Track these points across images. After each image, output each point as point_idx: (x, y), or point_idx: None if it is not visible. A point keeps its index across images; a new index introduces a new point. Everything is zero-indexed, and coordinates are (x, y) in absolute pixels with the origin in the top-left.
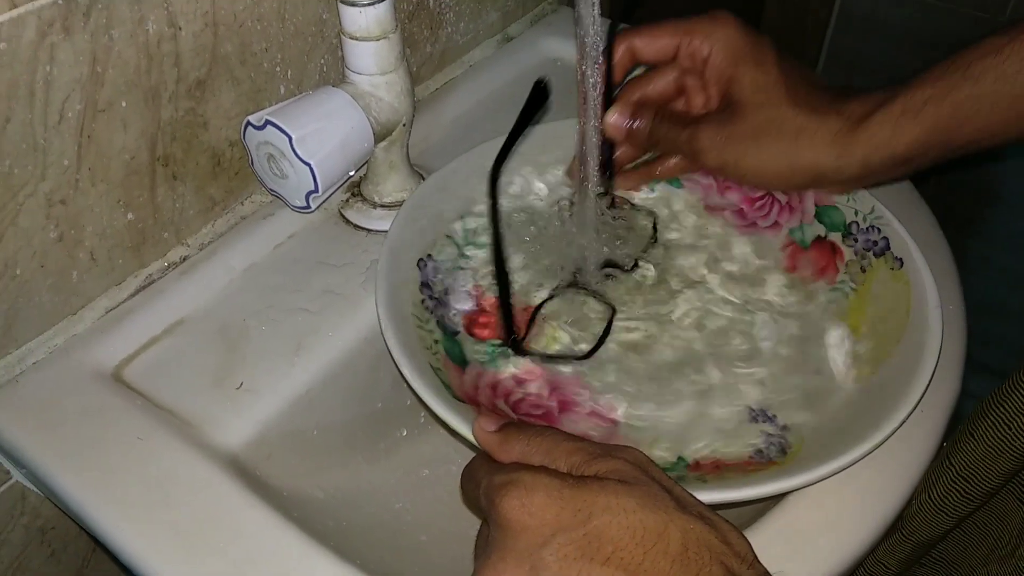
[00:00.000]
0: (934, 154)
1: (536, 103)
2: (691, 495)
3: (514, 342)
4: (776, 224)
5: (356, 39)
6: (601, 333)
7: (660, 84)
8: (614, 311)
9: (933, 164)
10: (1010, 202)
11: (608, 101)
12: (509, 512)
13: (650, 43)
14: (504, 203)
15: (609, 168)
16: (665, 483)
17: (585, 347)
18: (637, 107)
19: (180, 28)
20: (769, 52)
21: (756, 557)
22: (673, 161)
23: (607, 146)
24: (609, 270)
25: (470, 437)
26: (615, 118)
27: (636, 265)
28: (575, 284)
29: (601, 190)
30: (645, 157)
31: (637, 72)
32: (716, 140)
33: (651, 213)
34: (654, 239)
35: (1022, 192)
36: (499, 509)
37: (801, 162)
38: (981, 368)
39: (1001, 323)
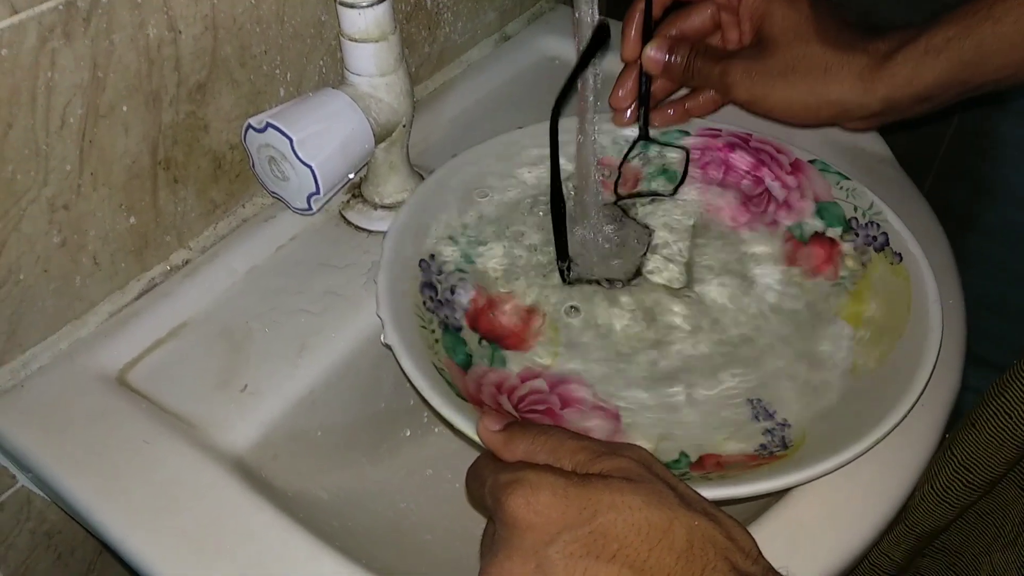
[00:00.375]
0: (954, 92)
1: (596, 44)
2: (695, 492)
3: (567, 266)
4: (774, 222)
5: (355, 41)
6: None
7: (696, 20)
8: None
9: (954, 101)
10: (1008, 198)
11: (648, 35)
12: (515, 510)
13: None
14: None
15: (645, 103)
16: (670, 480)
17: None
18: (675, 41)
19: (180, 32)
20: None
21: (760, 552)
22: (705, 96)
23: (645, 79)
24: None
25: (474, 436)
26: (653, 52)
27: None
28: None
29: (610, 199)
30: (681, 93)
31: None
32: (747, 75)
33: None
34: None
35: (1020, 185)
36: (505, 507)
37: (828, 97)
38: (981, 363)
39: (1000, 318)
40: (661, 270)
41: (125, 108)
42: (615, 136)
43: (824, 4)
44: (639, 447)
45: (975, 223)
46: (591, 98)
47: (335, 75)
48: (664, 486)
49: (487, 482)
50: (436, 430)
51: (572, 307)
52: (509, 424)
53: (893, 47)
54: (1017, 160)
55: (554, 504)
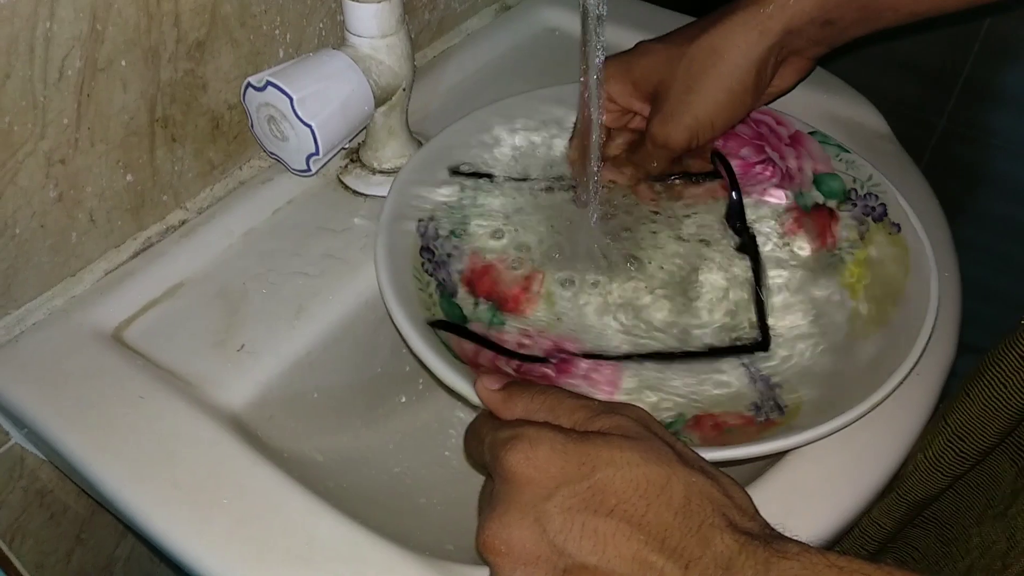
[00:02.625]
0: (854, 11)
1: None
2: (693, 451)
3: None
4: (775, 193)
5: (357, 0)
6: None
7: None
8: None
9: (863, 29)
10: (996, 185)
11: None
12: (514, 466)
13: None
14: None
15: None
16: (667, 438)
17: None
18: (614, 163)
19: None
20: (637, 51)
21: (757, 510)
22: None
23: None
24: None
25: (472, 397)
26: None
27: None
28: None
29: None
30: None
31: None
32: (664, 121)
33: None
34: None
35: (1008, 175)
36: (503, 463)
37: (735, 64)
38: (968, 349)
39: (987, 304)
40: (658, 238)
41: (124, 63)
42: None
43: (653, 41)
44: (637, 406)
45: (964, 211)
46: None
47: (335, 38)
48: (662, 444)
49: (486, 439)
50: (431, 396)
51: (569, 276)
52: (508, 383)
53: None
54: (1006, 150)
55: (553, 459)
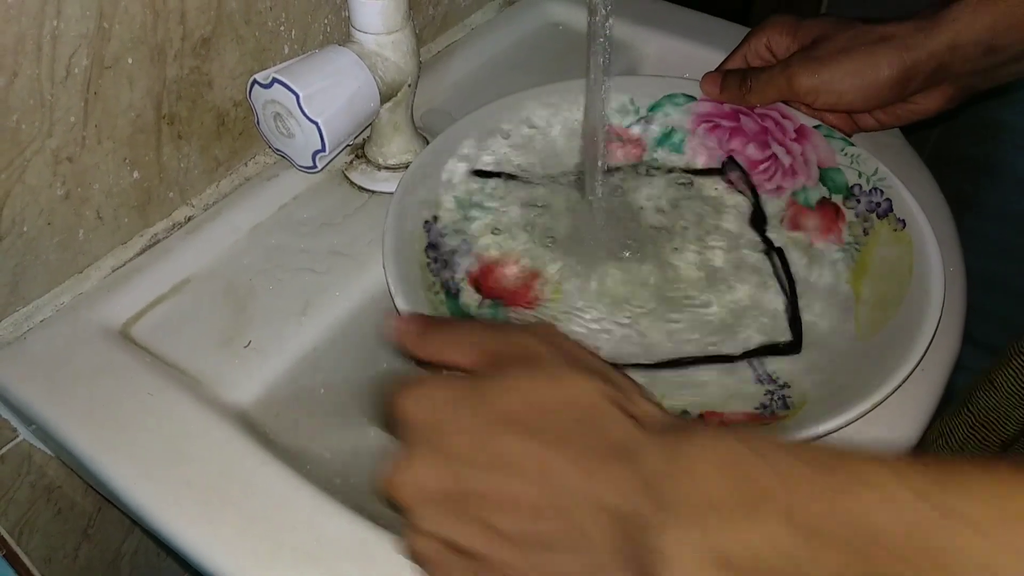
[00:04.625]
0: (1019, 39)
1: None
2: (597, 358)
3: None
4: (780, 188)
5: None
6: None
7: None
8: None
9: (1018, 57)
10: (1003, 178)
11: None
12: (411, 408)
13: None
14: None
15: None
16: (573, 352)
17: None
18: (726, 72)
19: None
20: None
21: (662, 406)
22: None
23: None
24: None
25: None
26: (707, 79)
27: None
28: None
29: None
30: None
31: None
32: (807, 63)
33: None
34: None
35: (1015, 168)
36: (401, 409)
37: (890, 57)
38: (976, 344)
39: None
40: (662, 234)
41: (130, 60)
42: (622, 103)
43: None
44: (547, 324)
45: (969, 205)
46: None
47: (340, 35)
48: (565, 359)
49: (388, 396)
50: None
51: (575, 269)
52: (425, 320)
53: (943, 5)
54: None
55: (448, 397)
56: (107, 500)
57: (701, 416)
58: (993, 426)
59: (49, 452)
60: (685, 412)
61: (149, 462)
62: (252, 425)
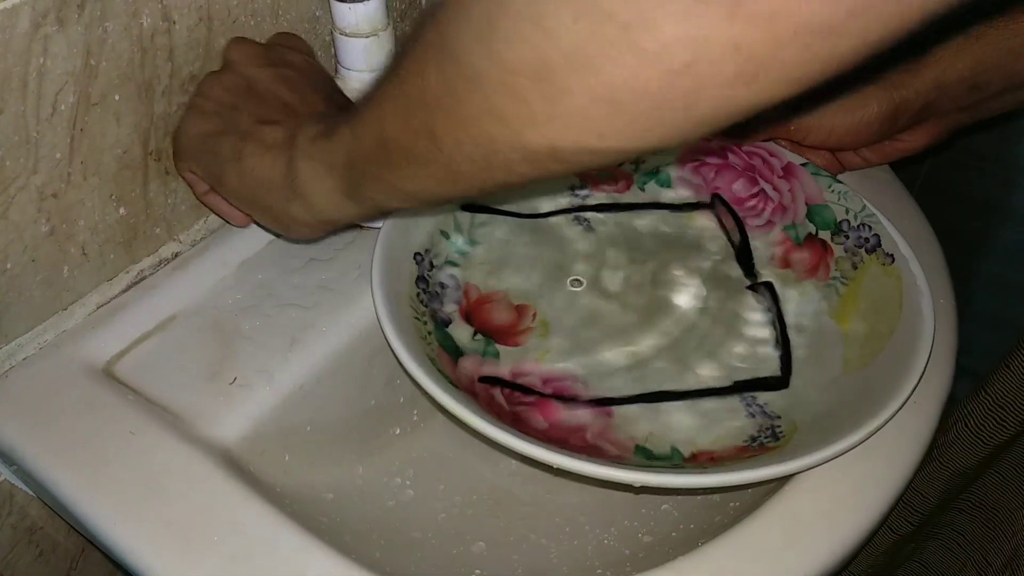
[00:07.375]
0: (1001, 78)
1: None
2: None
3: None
4: (770, 223)
5: (347, 35)
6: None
7: None
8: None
9: (1006, 102)
10: (993, 210)
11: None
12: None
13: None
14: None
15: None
16: (289, 57)
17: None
18: None
19: (174, 22)
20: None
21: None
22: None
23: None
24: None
25: (473, 421)
26: None
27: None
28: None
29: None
30: None
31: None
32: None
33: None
34: None
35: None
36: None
37: (881, 97)
38: (970, 375)
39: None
40: (654, 269)
41: (117, 97)
42: None
43: None
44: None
45: (959, 237)
46: None
47: (328, 70)
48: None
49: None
50: (425, 428)
51: (564, 304)
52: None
53: (926, 52)
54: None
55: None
56: (90, 541)
57: (693, 456)
58: (1010, 407)
59: (31, 492)
60: (675, 450)
61: (130, 502)
62: (237, 463)
